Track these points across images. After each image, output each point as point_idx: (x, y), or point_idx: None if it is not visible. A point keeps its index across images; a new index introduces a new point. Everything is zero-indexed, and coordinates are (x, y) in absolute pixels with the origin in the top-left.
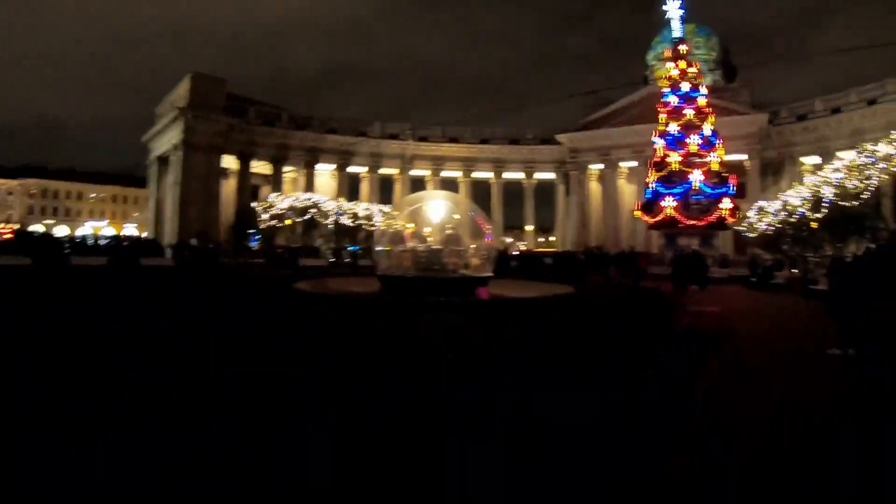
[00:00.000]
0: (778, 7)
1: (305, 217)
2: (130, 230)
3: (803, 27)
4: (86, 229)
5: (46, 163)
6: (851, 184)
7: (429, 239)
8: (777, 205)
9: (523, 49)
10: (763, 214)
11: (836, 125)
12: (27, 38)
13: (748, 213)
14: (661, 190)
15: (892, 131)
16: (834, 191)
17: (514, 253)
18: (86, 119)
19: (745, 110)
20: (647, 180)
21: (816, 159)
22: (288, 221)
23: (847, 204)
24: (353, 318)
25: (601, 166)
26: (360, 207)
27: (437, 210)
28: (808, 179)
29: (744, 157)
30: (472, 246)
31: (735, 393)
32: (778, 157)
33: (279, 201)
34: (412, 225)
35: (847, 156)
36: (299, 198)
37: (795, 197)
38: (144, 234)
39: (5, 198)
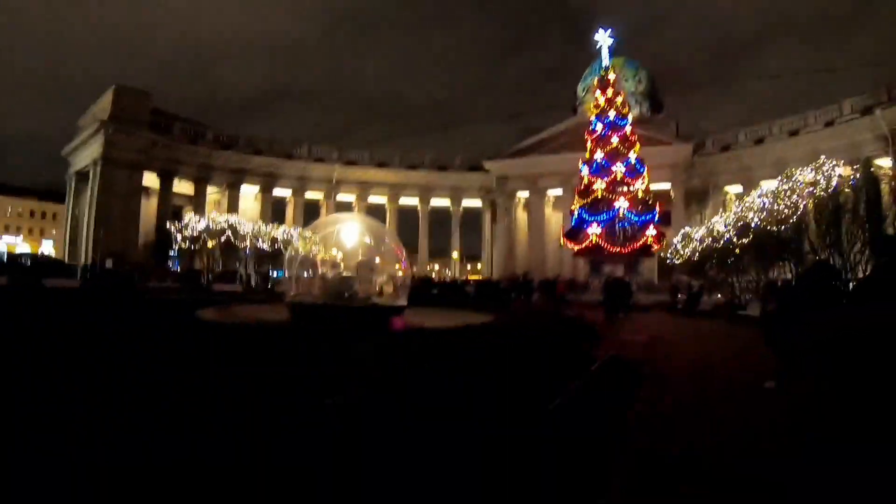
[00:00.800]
0: (705, 44)
1: (221, 239)
2: (48, 248)
3: (730, 62)
4: None
5: None
6: (778, 207)
7: (341, 265)
8: (702, 231)
9: (458, 75)
10: (688, 241)
11: (759, 155)
12: None
13: (674, 240)
14: (586, 217)
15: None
16: (760, 216)
17: (436, 281)
18: (8, 131)
19: (671, 140)
20: (571, 208)
21: (739, 188)
22: (211, 243)
23: (774, 229)
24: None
25: (528, 194)
26: (279, 231)
27: (351, 234)
28: (736, 206)
29: (668, 185)
30: (386, 273)
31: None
32: (702, 185)
33: (195, 223)
34: (318, 248)
35: (771, 185)
36: (216, 220)
37: (721, 222)
38: (49, 253)
39: None
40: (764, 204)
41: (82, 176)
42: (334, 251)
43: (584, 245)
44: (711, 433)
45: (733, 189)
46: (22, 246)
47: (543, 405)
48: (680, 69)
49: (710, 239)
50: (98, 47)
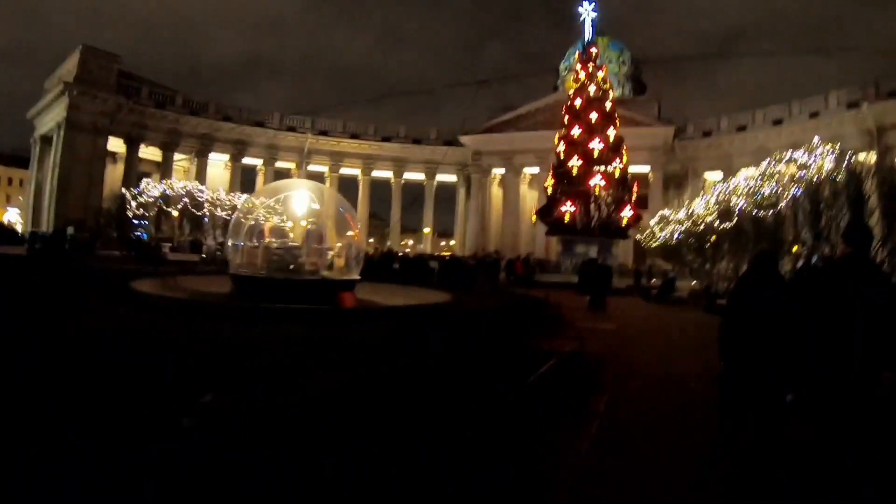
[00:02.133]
0: (691, 33)
1: (178, 207)
2: (13, 215)
3: (715, 53)
4: None
5: None
6: (765, 192)
7: (290, 234)
8: (681, 214)
9: (440, 56)
10: (665, 223)
11: (740, 143)
12: None
13: (650, 222)
14: (560, 195)
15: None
16: (744, 199)
17: (399, 255)
18: None
19: (652, 122)
20: (545, 184)
21: (719, 175)
22: (174, 211)
23: (760, 213)
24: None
25: (503, 171)
26: (240, 199)
27: (300, 201)
28: (716, 188)
29: (647, 169)
30: (336, 244)
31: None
32: (681, 170)
33: (149, 189)
34: (265, 216)
35: (756, 169)
36: (173, 186)
37: (701, 205)
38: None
39: None
40: (749, 187)
41: (46, 140)
42: (283, 219)
43: (556, 223)
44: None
45: (712, 176)
46: None
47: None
48: (665, 58)
49: (689, 222)
50: (72, 9)
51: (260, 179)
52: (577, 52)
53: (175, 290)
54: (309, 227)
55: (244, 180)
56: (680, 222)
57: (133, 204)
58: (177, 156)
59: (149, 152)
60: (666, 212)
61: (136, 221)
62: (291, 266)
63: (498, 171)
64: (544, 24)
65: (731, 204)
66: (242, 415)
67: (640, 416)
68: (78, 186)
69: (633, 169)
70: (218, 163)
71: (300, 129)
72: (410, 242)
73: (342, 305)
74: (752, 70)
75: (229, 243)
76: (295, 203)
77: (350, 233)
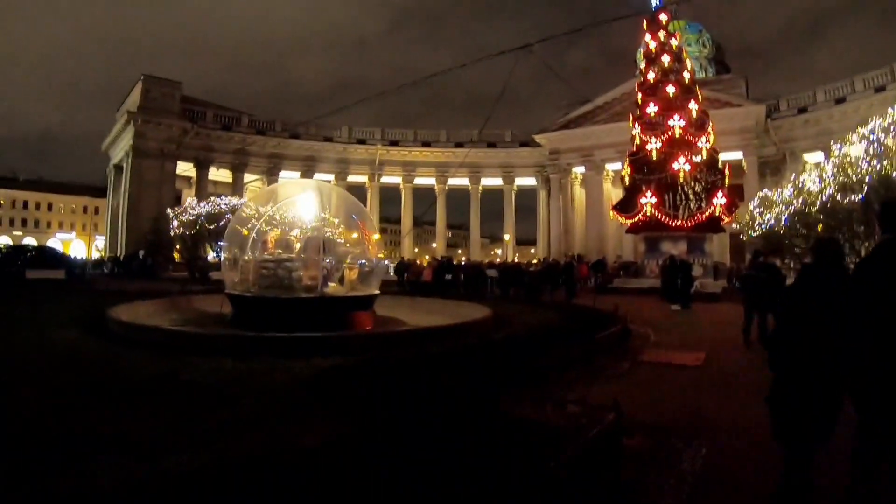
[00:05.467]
0: (777, 18)
1: (219, 224)
2: (100, 242)
3: (804, 38)
4: (55, 241)
5: (14, 174)
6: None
7: (296, 245)
8: (787, 192)
9: (521, 63)
10: (770, 205)
11: (840, 117)
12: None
13: (750, 205)
14: (639, 184)
15: None
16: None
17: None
18: (80, 131)
19: (741, 101)
20: (622, 174)
21: (820, 156)
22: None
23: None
24: None
25: (583, 169)
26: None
27: (305, 207)
28: (836, 152)
29: (739, 154)
30: (347, 255)
31: None
32: (777, 154)
33: (191, 206)
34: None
35: (854, 150)
36: (218, 202)
37: (814, 177)
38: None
39: None
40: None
41: (119, 169)
42: (272, 227)
43: (636, 218)
44: None
45: (812, 157)
46: (76, 241)
47: None
48: (751, 44)
49: (800, 200)
50: (166, 47)
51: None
52: (644, 22)
53: (158, 317)
54: (308, 235)
55: None
56: (788, 202)
57: (174, 223)
58: (248, 176)
59: (220, 175)
60: (768, 192)
61: (220, 242)
62: (285, 282)
63: (578, 170)
64: (626, 26)
65: (861, 171)
66: None
67: None
68: (147, 210)
69: (722, 156)
70: (290, 181)
71: (370, 140)
72: (499, 252)
73: (354, 327)
74: (843, 52)
75: (222, 258)
76: (295, 208)
77: (364, 242)
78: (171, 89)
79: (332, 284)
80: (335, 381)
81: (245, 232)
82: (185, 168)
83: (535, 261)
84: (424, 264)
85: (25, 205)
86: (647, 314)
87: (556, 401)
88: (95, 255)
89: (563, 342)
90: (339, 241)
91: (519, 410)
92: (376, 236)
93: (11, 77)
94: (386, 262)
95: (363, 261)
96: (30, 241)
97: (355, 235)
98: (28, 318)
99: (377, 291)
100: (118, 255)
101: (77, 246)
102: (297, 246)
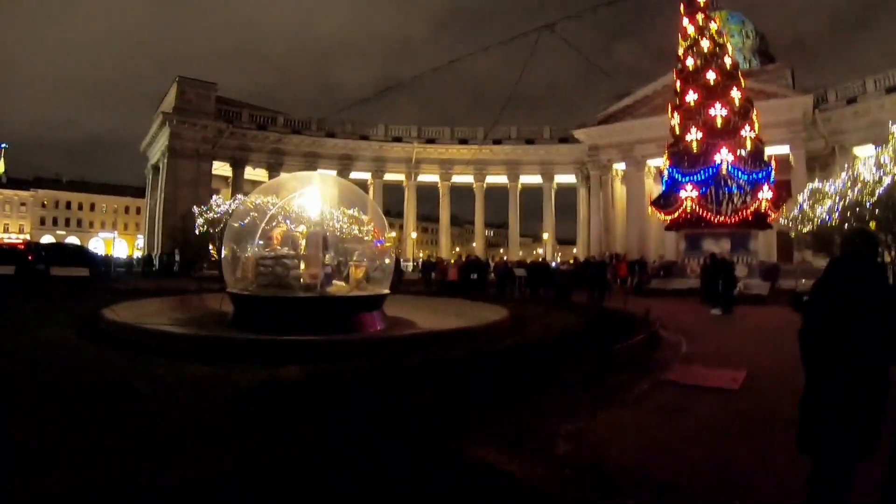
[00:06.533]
0: (824, 9)
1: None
2: (141, 242)
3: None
4: (97, 240)
5: (58, 175)
6: None
7: (302, 242)
8: (840, 182)
9: (568, 62)
10: (821, 198)
11: (891, 106)
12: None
13: (798, 197)
14: (678, 177)
15: None
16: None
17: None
18: (127, 135)
19: (786, 91)
20: (660, 167)
21: (871, 149)
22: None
23: None
24: None
25: (624, 165)
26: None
27: (310, 201)
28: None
29: (785, 149)
30: (355, 251)
31: None
32: (825, 148)
33: (219, 204)
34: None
35: None
36: (243, 200)
37: (870, 165)
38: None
39: (18, 208)
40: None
41: (156, 169)
42: (289, 223)
43: (676, 213)
44: None
45: (863, 151)
46: (119, 241)
47: None
48: (797, 37)
49: (855, 190)
50: (211, 53)
51: (370, 194)
52: (681, 5)
53: (160, 316)
54: (308, 230)
55: None
56: (842, 194)
57: (200, 221)
58: (282, 175)
59: (256, 174)
60: (818, 184)
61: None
62: (282, 280)
63: (619, 167)
64: (672, 21)
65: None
66: None
67: None
68: (182, 210)
69: (768, 150)
70: (292, 175)
71: (406, 138)
72: (540, 251)
73: (356, 329)
74: (893, 44)
75: (223, 254)
76: (298, 202)
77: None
78: (206, 90)
79: (336, 283)
80: (266, 399)
81: (236, 225)
82: (222, 168)
83: (570, 260)
84: (451, 262)
85: (69, 205)
86: (681, 319)
87: (546, 435)
88: (137, 254)
89: (574, 353)
90: (350, 235)
91: (490, 452)
92: (390, 233)
93: (60, 82)
94: (409, 260)
95: (365, 258)
96: (73, 240)
97: (361, 231)
98: (31, 316)
99: (386, 291)
100: (153, 253)
101: (119, 245)
102: (303, 242)
